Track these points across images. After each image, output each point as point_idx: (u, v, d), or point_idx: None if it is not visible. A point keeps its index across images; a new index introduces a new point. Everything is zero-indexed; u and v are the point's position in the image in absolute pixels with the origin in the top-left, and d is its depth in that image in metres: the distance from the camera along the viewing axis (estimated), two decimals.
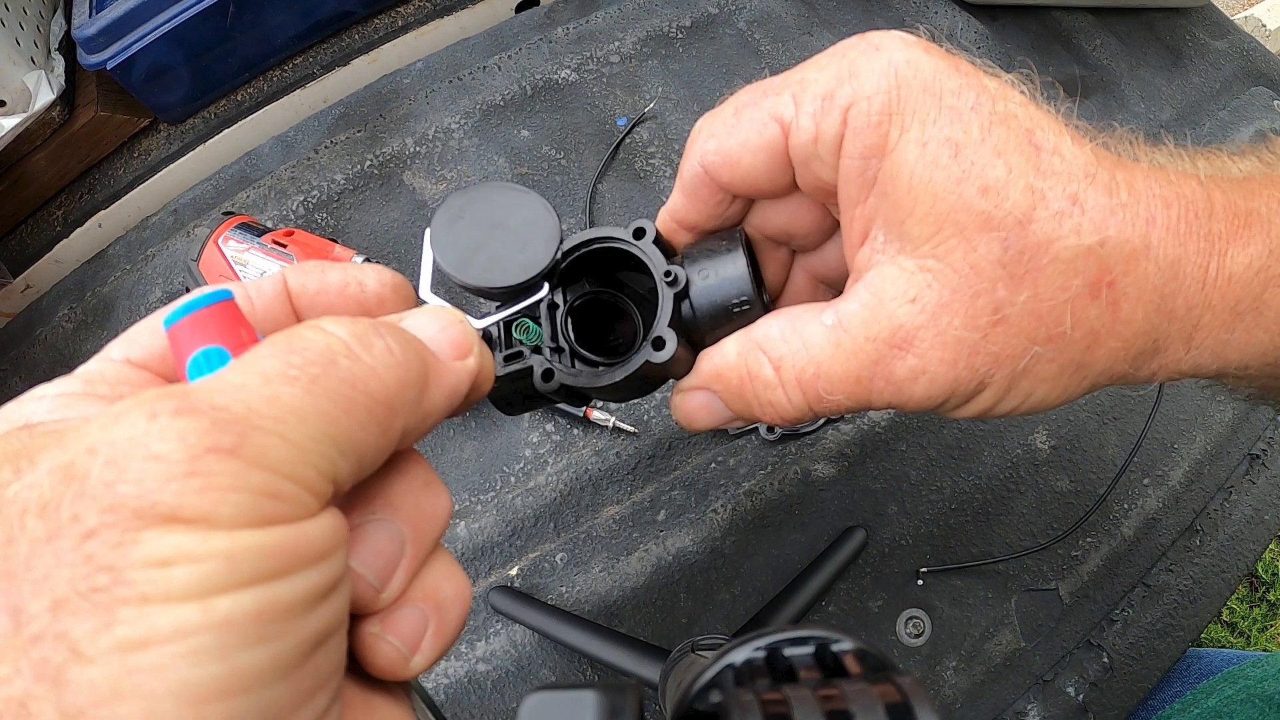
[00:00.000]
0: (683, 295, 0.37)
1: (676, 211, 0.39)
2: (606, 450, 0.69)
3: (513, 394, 0.40)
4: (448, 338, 0.29)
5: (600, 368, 0.37)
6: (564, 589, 0.65)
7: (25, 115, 0.83)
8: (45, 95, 0.84)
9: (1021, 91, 0.33)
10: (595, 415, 0.69)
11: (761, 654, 0.25)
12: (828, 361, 0.33)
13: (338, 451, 0.22)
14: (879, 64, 0.32)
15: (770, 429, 0.45)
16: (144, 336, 0.29)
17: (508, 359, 0.37)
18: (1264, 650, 1.57)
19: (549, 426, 0.70)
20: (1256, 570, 1.61)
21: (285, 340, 0.23)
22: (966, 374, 0.32)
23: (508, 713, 0.63)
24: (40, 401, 0.26)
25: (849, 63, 0.33)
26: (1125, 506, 0.67)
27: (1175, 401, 0.70)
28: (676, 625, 0.64)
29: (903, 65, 0.32)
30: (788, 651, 0.25)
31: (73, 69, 0.89)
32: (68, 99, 0.88)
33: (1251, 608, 1.60)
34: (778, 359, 0.35)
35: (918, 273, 0.32)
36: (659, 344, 0.36)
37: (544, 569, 0.66)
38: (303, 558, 0.21)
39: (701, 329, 0.37)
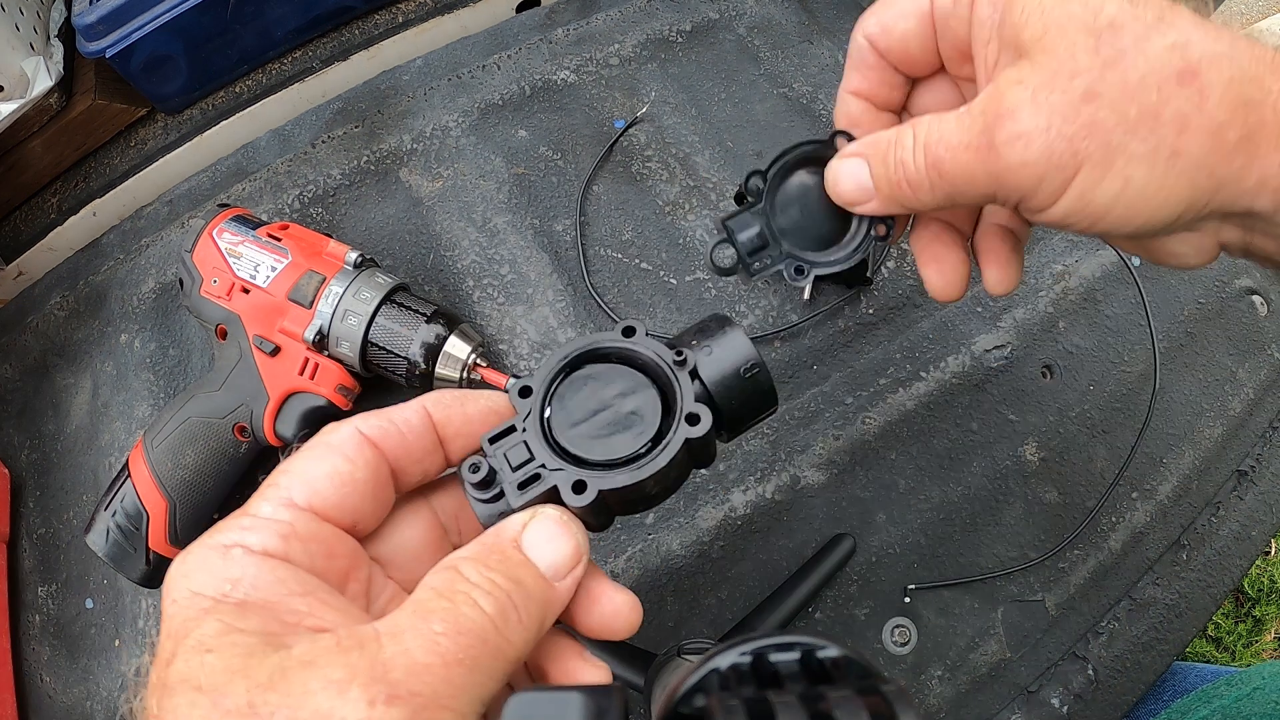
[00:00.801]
0: (693, 375, 0.38)
1: (849, 83, 0.46)
2: None
3: None
4: (560, 558, 0.34)
5: (635, 464, 0.36)
6: None
7: (22, 101, 0.83)
8: (43, 82, 0.84)
9: None
10: None
11: (747, 659, 0.25)
12: (950, 131, 0.38)
13: (486, 699, 0.29)
14: None
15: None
16: (327, 486, 0.33)
17: (522, 486, 0.36)
18: (1248, 667, 1.57)
19: None
20: (1243, 586, 1.62)
21: (454, 618, 0.29)
22: (1061, 144, 0.35)
23: (494, 712, 0.62)
24: (244, 563, 0.30)
25: None
26: (1113, 520, 0.67)
27: (1165, 416, 0.71)
28: (663, 629, 0.64)
29: None
30: (773, 657, 0.25)
31: (71, 56, 0.88)
32: (65, 86, 0.88)
33: (1237, 623, 1.60)
34: (917, 130, 0.40)
35: (1026, 65, 0.36)
36: (693, 419, 0.36)
37: None
38: None
39: (716, 402, 0.38)
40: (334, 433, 0.34)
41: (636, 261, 0.77)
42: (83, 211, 0.90)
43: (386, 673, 0.27)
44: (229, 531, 0.31)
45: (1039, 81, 0.35)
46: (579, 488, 0.35)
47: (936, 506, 0.67)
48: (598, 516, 0.37)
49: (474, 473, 0.35)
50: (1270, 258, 0.40)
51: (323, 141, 0.85)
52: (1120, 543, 0.67)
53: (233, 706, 0.26)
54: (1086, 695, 0.63)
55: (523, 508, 0.35)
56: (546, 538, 0.33)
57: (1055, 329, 0.73)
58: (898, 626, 0.64)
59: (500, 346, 0.73)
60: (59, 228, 0.89)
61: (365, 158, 0.83)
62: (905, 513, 0.67)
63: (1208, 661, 1.57)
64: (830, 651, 0.25)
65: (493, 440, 0.36)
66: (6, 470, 0.77)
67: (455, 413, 0.37)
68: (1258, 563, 1.59)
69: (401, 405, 0.36)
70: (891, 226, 0.46)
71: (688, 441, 0.36)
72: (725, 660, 0.25)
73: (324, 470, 0.33)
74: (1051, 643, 0.64)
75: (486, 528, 0.35)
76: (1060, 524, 0.67)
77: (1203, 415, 0.71)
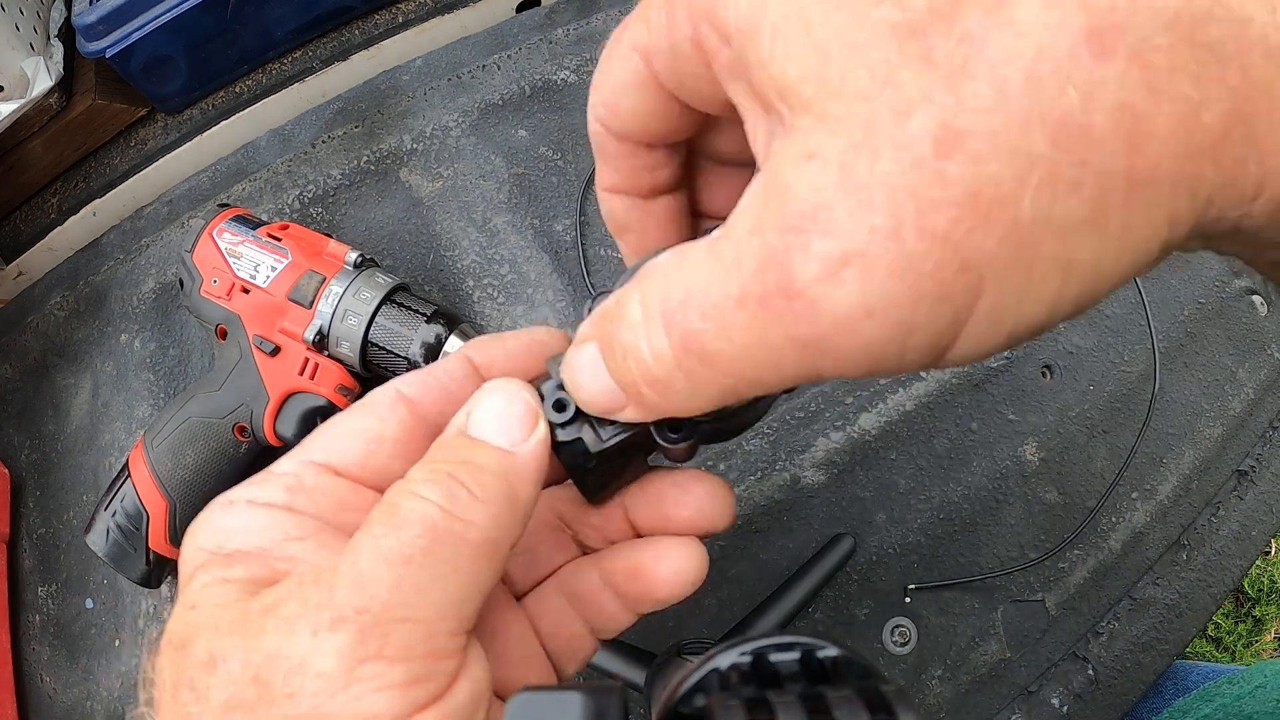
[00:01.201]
0: None
1: (601, 179, 0.33)
2: None
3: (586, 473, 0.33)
4: (511, 422, 0.29)
5: None
6: None
7: (22, 101, 0.83)
8: (43, 82, 0.84)
9: None
10: None
11: (747, 659, 0.25)
12: (702, 280, 0.22)
13: (460, 603, 0.26)
14: None
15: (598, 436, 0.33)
16: (346, 443, 0.31)
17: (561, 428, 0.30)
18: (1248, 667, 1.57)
19: None
20: (1243, 586, 1.62)
21: (390, 516, 0.26)
22: (921, 254, 0.19)
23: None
24: (243, 515, 0.29)
25: None
26: (1113, 520, 0.67)
27: (1165, 416, 0.71)
28: (663, 629, 0.64)
29: None
30: (773, 657, 0.25)
31: (71, 56, 0.88)
32: (65, 86, 0.88)
33: (1237, 623, 1.60)
34: (646, 291, 0.24)
35: (814, 125, 0.20)
36: None
37: None
38: (451, 694, 0.26)
39: None
40: (373, 393, 0.32)
41: None
42: (83, 211, 0.90)
43: (332, 596, 0.25)
44: (240, 488, 0.30)
45: (844, 144, 0.20)
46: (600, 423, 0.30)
47: (936, 506, 0.67)
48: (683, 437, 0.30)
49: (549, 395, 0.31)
50: (1232, 255, 0.26)
51: (323, 141, 0.85)
52: (1120, 542, 0.67)
53: (196, 660, 0.25)
54: (1086, 695, 0.63)
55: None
56: (493, 411, 0.29)
57: (1055, 329, 0.73)
58: (898, 626, 0.64)
59: None
60: (59, 228, 0.89)
61: (365, 158, 0.83)
62: (905, 512, 0.67)
63: (1208, 661, 1.57)
64: (830, 651, 0.25)
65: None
66: (6, 470, 0.77)
67: (496, 352, 0.34)
68: (1257, 563, 1.59)
69: (442, 359, 0.34)
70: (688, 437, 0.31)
71: None
72: (725, 660, 0.25)
73: (351, 428, 0.31)
74: (1051, 642, 0.64)
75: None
76: (1060, 524, 0.67)
77: (1203, 415, 0.71)
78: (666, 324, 0.23)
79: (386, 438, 0.31)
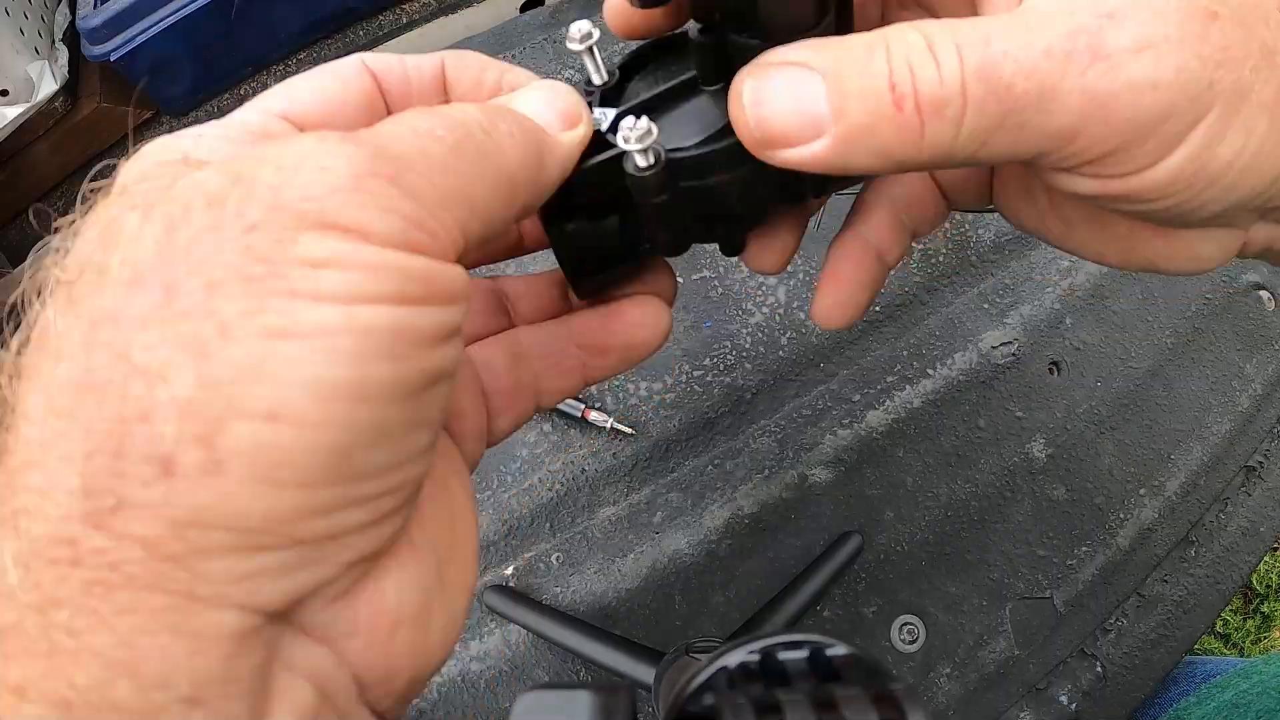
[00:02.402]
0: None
1: None
2: (603, 451, 0.69)
3: (594, 236, 0.32)
4: (557, 111, 0.29)
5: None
6: (559, 589, 0.65)
7: (28, 105, 0.83)
8: (48, 86, 0.84)
9: None
10: (593, 416, 0.68)
11: (755, 658, 0.25)
12: (1002, 30, 0.25)
13: (471, 210, 0.24)
14: None
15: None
16: (305, 94, 0.29)
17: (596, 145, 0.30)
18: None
19: (546, 427, 0.70)
20: (1251, 582, 1.61)
21: (430, 108, 0.25)
22: (1195, 63, 0.24)
23: (501, 712, 0.63)
24: (198, 140, 0.26)
25: None
26: (1121, 516, 0.67)
27: (1172, 412, 0.70)
28: (671, 627, 0.64)
29: None
30: (782, 656, 0.25)
31: (76, 60, 0.89)
32: (70, 90, 0.88)
33: (1245, 619, 1.60)
34: (931, 32, 0.25)
35: None
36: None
37: (539, 569, 0.66)
38: (438, 293, 0.22)
39: None
40: (337, 61, 0.30)
41: None
42: None
43: (384, 148, 0.22)
44: (196, 128, 0.26)
45: None
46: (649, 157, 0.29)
47: (944, 504, 0.67)
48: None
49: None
50: None
51: None
52: (1128, 539, 0.67)
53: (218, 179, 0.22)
54: (1095, 692, 0.63)
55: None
56: (540, 95, 0.29)
57: (1062, 325, 0.73)
58: (906, 624, 0.64)
59: None
60: None
61: None
62: (913, 510, 0.67)
63: (1216, 657, 1.56)
64: (839, 650, 0.25)
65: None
66: None
67: (472, 75, 0.32)
68: (1266, 559, 1.59)
69: (419, 55, 0.32)
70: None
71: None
72: (733, 659, 0.25)
73: (311, 85, 0.29)
74: (1060, 640, 0.64)
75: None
76: (1069, 520, 0.67)
77: (1210, 411, 0.71)
78: (973, 58, 0.24)
79: (347, 102, 0.29)
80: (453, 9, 0.96)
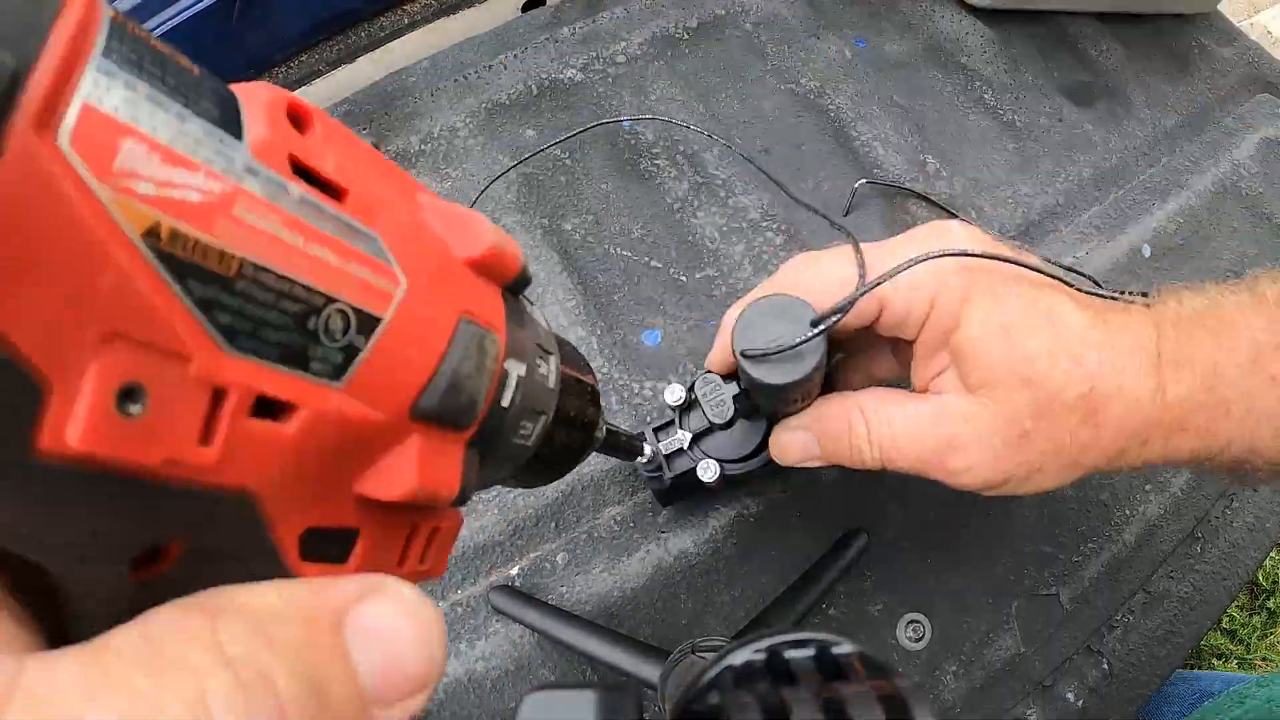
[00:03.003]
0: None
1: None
2: None
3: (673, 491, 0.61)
4: (401, 674, 0.21)
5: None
6: (564, 589, 0.65)
7: None
8: None
9: (1042, 273, 0.46)
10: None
11: (761, 656, 0.25)
12: (904, 439, 0.47)
13: None
14: (957, 265, 0.45)
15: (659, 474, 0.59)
16: None
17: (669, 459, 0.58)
18: (1263, 658, 1.57)
19: None
20: (1257, 578, 1.61)
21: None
22: (999, 474, 0.45)
23: (506, 712, 0.63)
24: None
25: (934, 272, 0.45)
26: (1127, 513, 0.67)
27: None
28: (677, 626, 0.64)
29: (971, 264, 0.45)
30: (788, 654, 0.25)
31: None
32: None
33: (1251, 615, 1.60)
34: (870, 422, 0.48)
35: (974, 404, 0.45)
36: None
37: (544, 569, 0.66)
38: None
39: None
40: None
41: (646, 259, 0.77)
42: None
43: None
44: None
45: (984, 425, 0.45)
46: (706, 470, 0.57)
47: (950, 501, 0.67)
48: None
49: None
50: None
51: None
52: (1134, 535, 0.67)
53: None
54: (1101, 689, 0.63)
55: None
56: (386, 627, 0.20)
57: None
58: (912, 622, 0.64)
59: None
60: None
61: None
62: (919, 507, 0.67)
63: (1221, 655, 1.56)
64: (844, 648, 0.25)
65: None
66: None
67: None
68: (1272, 555, 1.59)
69: None
70: None
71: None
72: (739, 657, 0.25)
73: None
74: (1066, 637, 0.64)
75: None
76: (1074, 517, 0.67)
77: None
78: (882, 450, 0.48)
79: None
80: (454, 9, 0.96)
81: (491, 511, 0.68)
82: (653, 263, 0.77)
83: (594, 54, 0.88)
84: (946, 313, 0.45)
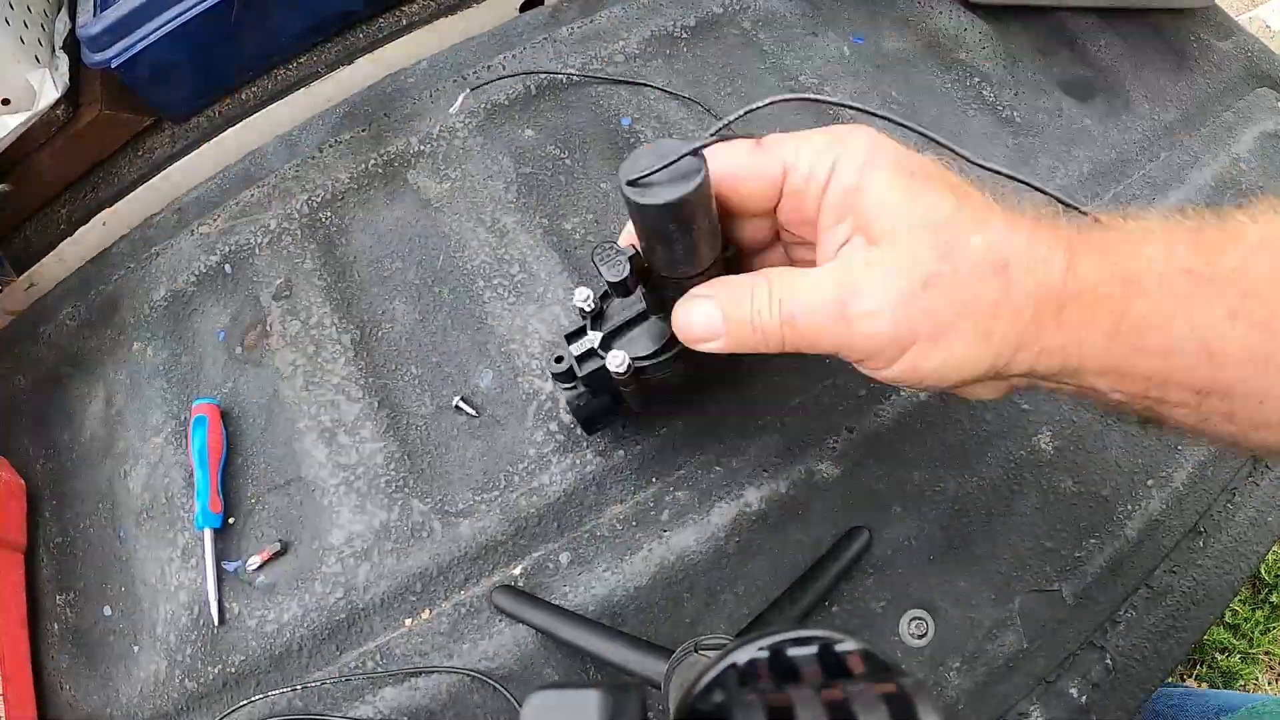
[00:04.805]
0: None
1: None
2: (610, 450, 0.69)
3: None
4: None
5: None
6: (567, 588, 0.65)
7: (29, 114, 0.83)
8: (49, 94, 0.84)
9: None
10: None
11: (765, 654, 0.25)
12: (805, 293, 0.45)
13: None
14: (860, 134, 0.45)
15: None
16: None
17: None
18: (1266, 653, 1.57)
19: (553, 427, 0.70)
20: (1259, 573, 1.61)
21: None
22: (904, 323, 0.42)
23: (511, 712, 0.63)
24: None
25: (835, 135, 0.46)
26: (1129, 508, 0.67)
27: None
28: (680, 625, 0.64)
29: (874, 136, 0.45)
30: (791, 652, 0.25)
31: (77, 67, 0.89)
32: (72, 97, 0.88)
33: (1254, 610, 1.60)
34: (773, 285, 0.46)
35: (876, 251, 0.43)
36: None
37: (547, 568, 0.66)
38: None
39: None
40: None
41: None
42: (92, 221, 0.90)
43: None
44: None
45: (886, 270, 0.43)
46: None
47: (951, 498, 0.67)
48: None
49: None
50: (1059, 394, 0.51)
51: (330, 146, 0.85)
52: (1136, 530, 0.67)
53: None
54: (1105, 684, 0.63)
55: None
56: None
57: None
58: (915, 619, 0.64)
59: (512, 346, 0.74)
60: (69, 238, 0.90)
61: (373, 161, 0.84)
62: (920, 505, 0.67)
63: (1224, 649, 1.56)
64: (848, 645, 0.25)
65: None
66: (23, 481, 0.77)
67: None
68: (1275, 549, 1.59)
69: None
70: None
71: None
72: (743, 656, 0.25)
73: None
74: (1069, 633, 0.64)
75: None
76: (1076, 513, 0.67)
77: None
78: (782, 308, 0.45)
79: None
80: (452, 9, 0.96)
81: (494, 512, 0.68)
82: None
83: (592, 54, 0.88)
84: (849, 173, 0.44)
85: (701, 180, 0.43)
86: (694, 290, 0.49)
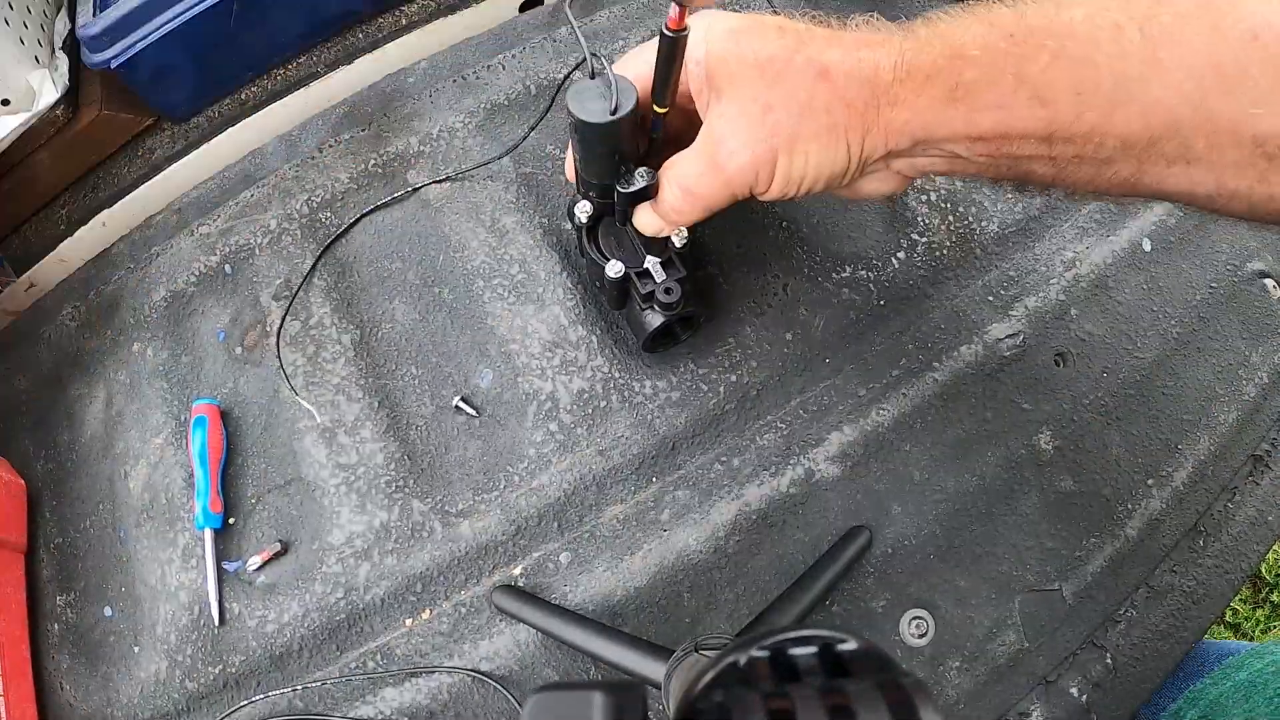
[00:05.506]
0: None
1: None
2: (610, 450, 0.69)
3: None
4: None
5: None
6: (567, 588, 0.65)
7: (29, 114, 0.83)
8: (49, 94, 0.84)
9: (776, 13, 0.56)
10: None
11: (765, 654, 0.25)
12: (689, 165, 0.54)
13: None
14: (703, 17, 0.52)
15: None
16: None
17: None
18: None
19: (552, 426, 0.70)
20: (1260, 572, 1.61)
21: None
22: (761, 147, 0.50)
23: (511, 711, 0.63)
24: None
25: (698, 26, 0.51)
26: (1129, 507, 0.67)
27: (1179, 401, 0.70)
28: (680, 625, 0.64)
29: (714, 14, 0.53)
30: (791, 651, 0.25)
31: (77, 68, 0.89)
32: (71, 98, 0.88)
33: (1255, 609, 1.60)
34: (669, 173, 0.56)
35: (724, 105, 0.51)
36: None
37: (548, 568, 0.66)
38: None
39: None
40: None
41: None
42: (92, 222, 0.90)
43: None
44: None
45: (733, 111, 0.50)
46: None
47: (952, 497, 0.67)
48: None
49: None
50: (940, 172, 0.54)
51: (330, 146, 0.85)
52: (1137, 530, 0.67)
53: None
54: (1105, 684, 0.63)
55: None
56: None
57: (1067, 316, 0.73)
58: (915, 618, 0.64)
59: (512, 346, 0.73)
60: (69, 239, 0.89)
61: (373, 161, 0.83)
62: (920, 504, 0.67)
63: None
64: (848, 645, 0.25)
65: None
66: (23, 482, 0.77)
67: None
68: (1275, 548, 1.59)
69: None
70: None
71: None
72: (743, 655, 0.25)
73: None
74: (1069, 632, 0.64)
75: None
76: (1077, 512, 0.67)
77: (1217, 400, 0.71)
78: (679, 185, 0.54)
79: None
80: (452, 10, 0.96)
81: (494, 512, 0.68)
82: None
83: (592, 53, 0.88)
84: (698, 49, 0.51)
85: (632, 108, 0.53)
86: (641, 205, 0.59)
